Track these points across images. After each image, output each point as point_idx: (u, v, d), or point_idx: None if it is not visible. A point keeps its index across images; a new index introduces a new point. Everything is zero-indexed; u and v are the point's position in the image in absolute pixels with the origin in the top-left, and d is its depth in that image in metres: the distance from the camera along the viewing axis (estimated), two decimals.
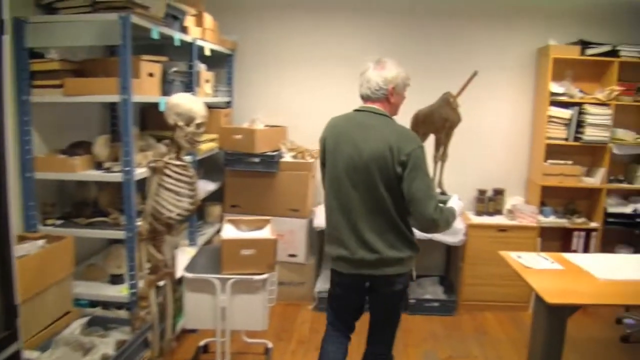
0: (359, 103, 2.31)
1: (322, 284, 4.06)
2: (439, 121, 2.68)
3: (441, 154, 2.80)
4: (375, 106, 2.24)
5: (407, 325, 3.79)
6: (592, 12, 4.27)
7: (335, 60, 4.30)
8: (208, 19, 3.72)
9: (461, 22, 4.28)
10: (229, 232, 2.94)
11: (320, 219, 3.89)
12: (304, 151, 4.07)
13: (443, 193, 2.77)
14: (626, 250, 4.16)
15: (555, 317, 2.21)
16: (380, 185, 2.15)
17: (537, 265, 2.55)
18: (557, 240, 4.29)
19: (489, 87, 4.26)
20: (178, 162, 2.59)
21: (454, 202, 2.36)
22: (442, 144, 2.75)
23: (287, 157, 4.05)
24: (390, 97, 2.23)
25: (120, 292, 2.87)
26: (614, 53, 4.08)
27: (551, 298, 2.12)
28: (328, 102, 4.24)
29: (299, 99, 4.37)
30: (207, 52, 3.72)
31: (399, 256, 2.21)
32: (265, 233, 2.95)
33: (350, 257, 2.25)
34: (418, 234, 2.29)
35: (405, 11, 4.26)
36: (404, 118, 2.47)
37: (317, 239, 4.19)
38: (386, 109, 2.25)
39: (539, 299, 2.21)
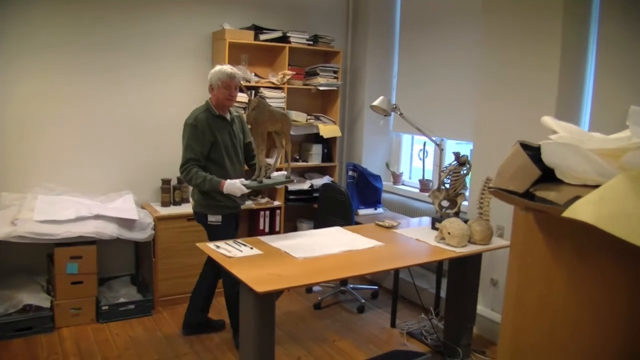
0: None
1: None
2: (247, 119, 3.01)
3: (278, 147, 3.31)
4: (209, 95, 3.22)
5: (103, 335, 3.42)
6: None
7: None
8: None
9: (135, 3, 3.92)
10: None
11: None
12: None
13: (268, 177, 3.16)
14: (307, 223, 4.53)
15: (265, 303, 2.25)
16: None
17: (238, 254, 2.52)
18: (245, 221, 4.41)
19: (165, 73, 4.07)
20: None
21: (230, 181, 3.03)
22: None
23: None
24: (210, 90, 3.17)
25: None
26: (284, 39, 4.32)
27: (259, 287, 2.12)
28: None
29: None
30: None
31: (194, 198, 3.29)
32: None
33: None
34: None
35: None
36: None
37: None
38: (211, 99, 3.18)
39: (246, 289, 2.20)
